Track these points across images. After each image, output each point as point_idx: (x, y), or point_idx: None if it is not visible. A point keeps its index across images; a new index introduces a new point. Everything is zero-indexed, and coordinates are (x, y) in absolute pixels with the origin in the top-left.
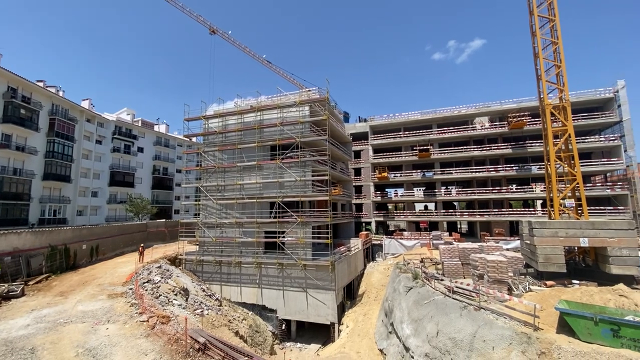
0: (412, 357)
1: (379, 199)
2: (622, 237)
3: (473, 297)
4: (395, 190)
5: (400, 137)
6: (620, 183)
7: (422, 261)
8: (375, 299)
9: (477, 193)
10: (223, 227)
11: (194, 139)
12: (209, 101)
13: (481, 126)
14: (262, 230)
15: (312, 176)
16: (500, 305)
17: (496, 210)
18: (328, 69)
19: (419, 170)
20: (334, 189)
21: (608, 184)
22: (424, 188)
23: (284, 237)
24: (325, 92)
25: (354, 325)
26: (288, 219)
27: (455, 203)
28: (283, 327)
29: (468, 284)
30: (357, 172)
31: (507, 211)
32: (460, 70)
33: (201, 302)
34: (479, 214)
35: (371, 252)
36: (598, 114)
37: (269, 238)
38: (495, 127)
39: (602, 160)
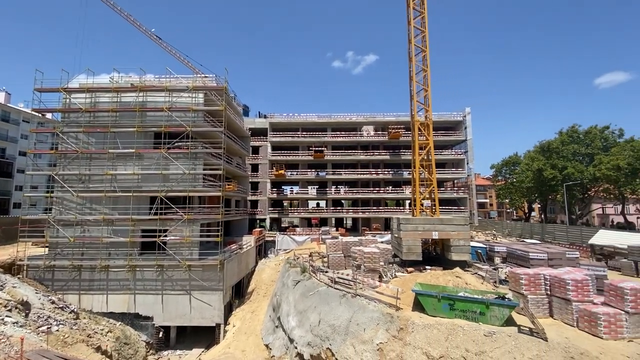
0: (296, 348)
1: (275, 195)
2: (460, 230)
3: (351, 285)
4: (291, 188)
5: (298, 136)
6: (463, 188)
7: (310, 255)
8: (265, 295)
9: (361, 192)
10: (86, 225)
11: (48, 116)
12: (74, 71)
13: (367, 134)
14: (138, 229)
15: (204, 170)
16: (372, 291)
17: (375, 208)
18: (230, 59)
19: (313, 170)
20: (229, 185)
21: (455, 188)
22: (317, 186)
23: (166, 236)
24: (224, 81)
25: (241, 324)
26: (172, 215)
27: (343, 201)
28: (160, 335)
29: (348, 274)
30: (255, 168)
31: (383, 209)
32: (355, 80)
33: (49, 317)
34: (361, 211)
35: (264, 249)
36: (451, 133)
37: (148, 237)
38: (379, 136)
39: (452, 169)
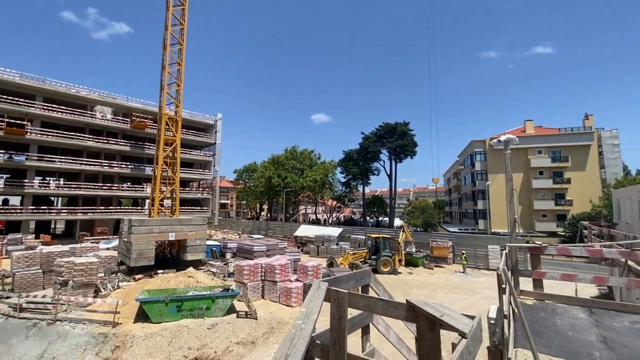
0: None
1: None
2: (197, 230)
3: (49, 310)
4: None
5: None
6: (208, 189)
7: None
8: None
9: (84, 188)
10: None
11: None
12: None
13: (102, 116)
14: None
15: None
16: (82, 311)
17: (104, 207)
18: None
19: (2, 151)
20: None
21: (200, 189)
22: (7, 175)
23: None
24: None
25: None
26: None
27: (54, 198)
28: None
29: (44, 296)
30: None
31: (115, 209)
32: (97, 47)
33: None
34: (81, 212)
35: None
36: (202, 134)
37: None
38: (118, 122)
39: (199, 170)
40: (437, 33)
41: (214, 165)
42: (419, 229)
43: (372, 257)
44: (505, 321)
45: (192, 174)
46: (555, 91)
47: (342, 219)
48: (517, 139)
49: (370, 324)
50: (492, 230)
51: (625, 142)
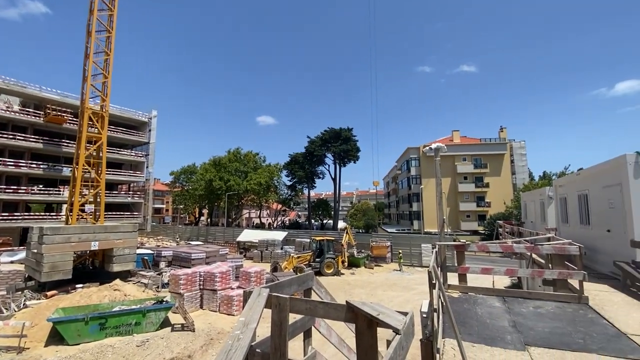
0: None
1: None
2: (126, 238)
3: None
4: None
5: None
6: (140, 193)
7: None
8: None
9: None
10: None
11: None
12: None
13: (7, 107)
14: None
15: None
16: None
17: (6, 214)
18: None
19: None
20: None
21: (130, 192)
22: None
23: None
24: None
25: None
26: None
27: None
28: None
29: None
30: None
31: (21, 215)
32: (5, 28)
33: None
34: None
35: None
36: (134, 132)
37: None
38: (29, 114)
39: (130, 172)
40: (379, 45)
41: (147, 167)
42: (360, 231)
43: (317, 259)
44: (435, 314)
45: (121, 175)
46: (477, 104)
47: (287, 222)
48: (445, 147)
49: (313, 327)
50: (425, 230)
51: (530, 151)
